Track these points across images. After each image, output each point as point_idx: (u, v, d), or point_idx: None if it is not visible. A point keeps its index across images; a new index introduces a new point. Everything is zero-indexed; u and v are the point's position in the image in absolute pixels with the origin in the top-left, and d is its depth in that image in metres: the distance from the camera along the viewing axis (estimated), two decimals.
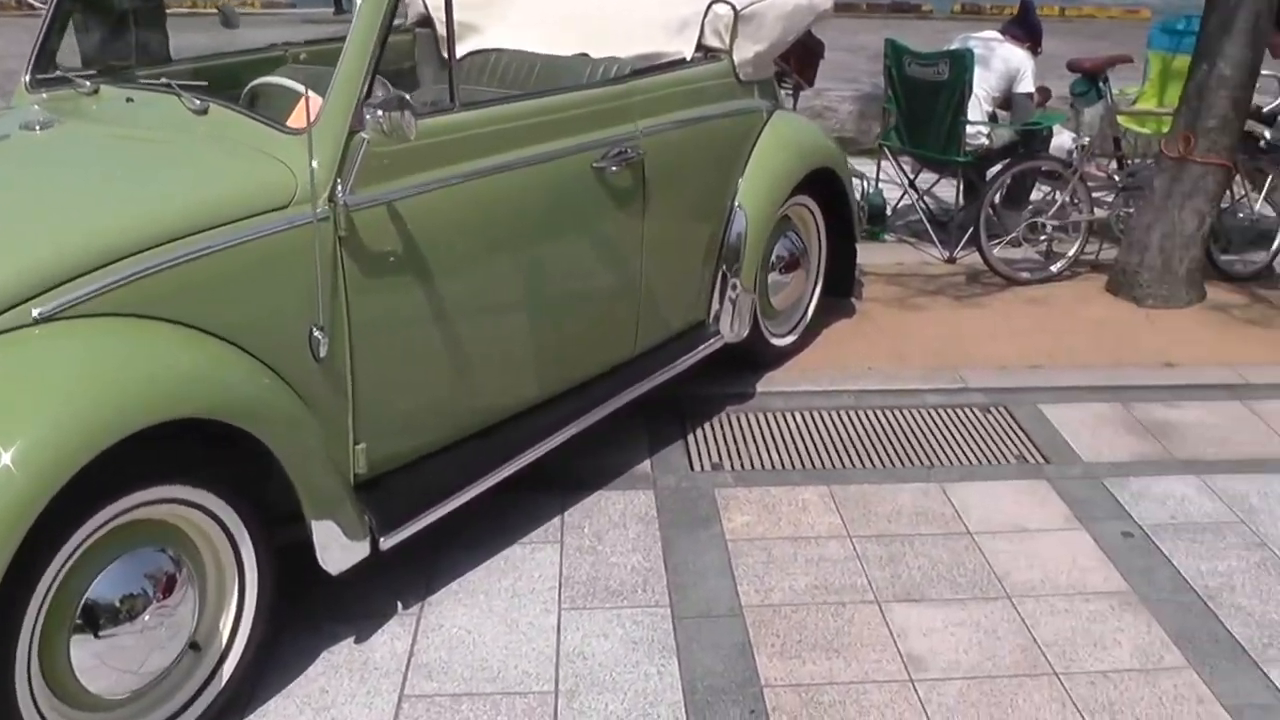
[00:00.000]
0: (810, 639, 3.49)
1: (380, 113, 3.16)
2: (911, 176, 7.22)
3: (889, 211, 7.24)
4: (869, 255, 6.75)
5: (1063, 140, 7.12)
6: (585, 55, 4.68)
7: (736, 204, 4.77)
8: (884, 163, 7.31)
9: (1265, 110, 6.82)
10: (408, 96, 3.20)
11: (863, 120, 9.08)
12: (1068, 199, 6.46)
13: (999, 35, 7.04)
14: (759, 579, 3.77)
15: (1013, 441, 4.69)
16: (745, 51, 4.79)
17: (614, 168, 4.04)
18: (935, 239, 6.90)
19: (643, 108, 4.25)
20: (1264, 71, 6.37)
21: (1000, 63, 6.87)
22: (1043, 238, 6.50)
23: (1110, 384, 5.21)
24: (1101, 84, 6.65)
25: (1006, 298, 6.24)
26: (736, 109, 4.81)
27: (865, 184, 6.74)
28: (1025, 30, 7.04)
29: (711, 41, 4.76)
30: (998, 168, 6.68)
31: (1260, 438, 4.78)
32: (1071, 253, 6.48)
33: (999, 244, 6.45)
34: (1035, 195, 6.80)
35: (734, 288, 4.77)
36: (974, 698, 3.25)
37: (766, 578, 3.78)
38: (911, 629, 3.54)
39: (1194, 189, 5.99)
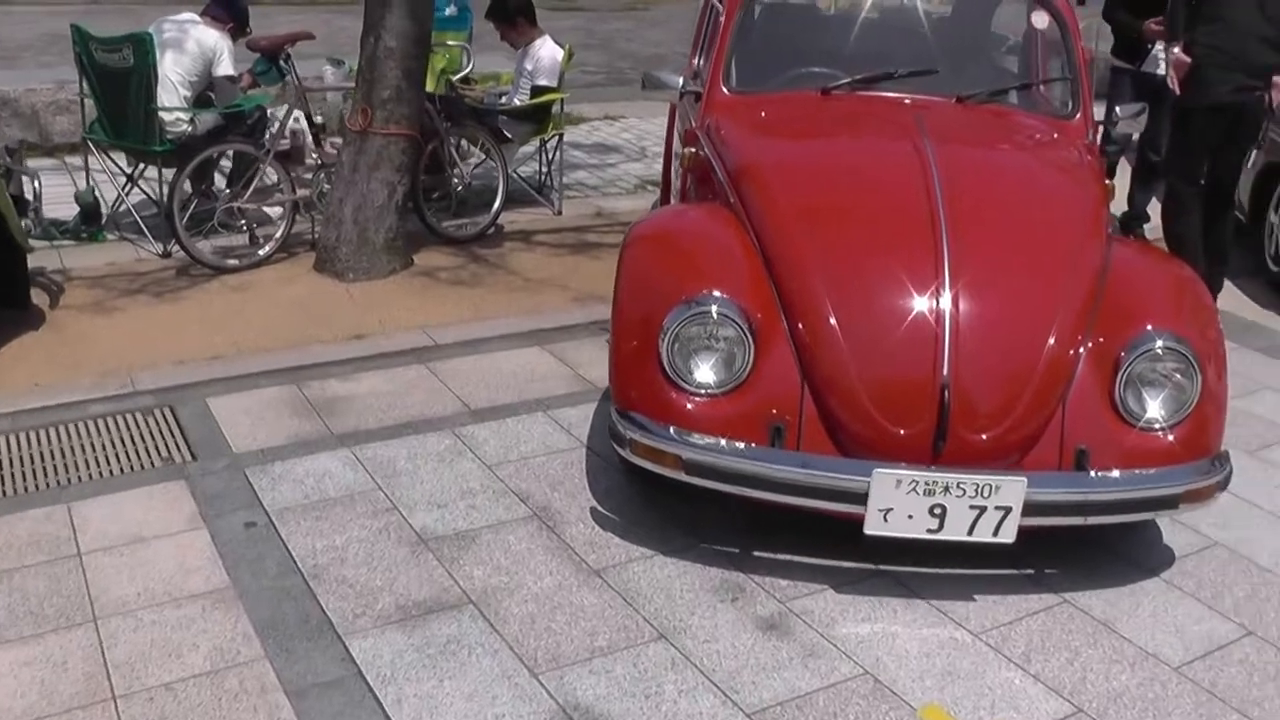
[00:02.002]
0: None
1: None
2: (129, 170, 6.76)
3: (107, 209, 6.73)
4: (81, 258, 6.34)
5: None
6: None
7: None
8: (99, 158, 6.78)
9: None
10: None
11: None
12: (273, 181, 6.27)
13: (196, 17, 6.71)
14: None
15: (166, 443, 4.38)
16: None
17: None
18: (150, 234, 6.49)
19: None
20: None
21: (194, 45, 6.54)
22: (241, 222, 6.27)
23: (291, 365, 5.03)
24: (282, 62, 6.47)
25: (212, 288, 5.95)
26: None
27: (36, 183, 6.22)
28: (226, 11, 6.75)
29: None
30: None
31: (431, 398, 4.77)
32: (279, 234, 6.29)
33: (198, 233, 6.15)
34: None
35: None
36: None
37: None
38: None
39: (378, 160, 5.96)
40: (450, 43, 7.25)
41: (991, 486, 3.37)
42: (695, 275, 3.78)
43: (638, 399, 3.67)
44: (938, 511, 3.39)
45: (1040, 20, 5.12)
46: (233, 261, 6.17)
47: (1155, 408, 3.59)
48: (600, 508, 4.01)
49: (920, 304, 3.55)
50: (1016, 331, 3.60)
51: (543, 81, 7.23)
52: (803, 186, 4.13)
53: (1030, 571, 3.76)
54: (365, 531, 3.82)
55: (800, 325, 3.61)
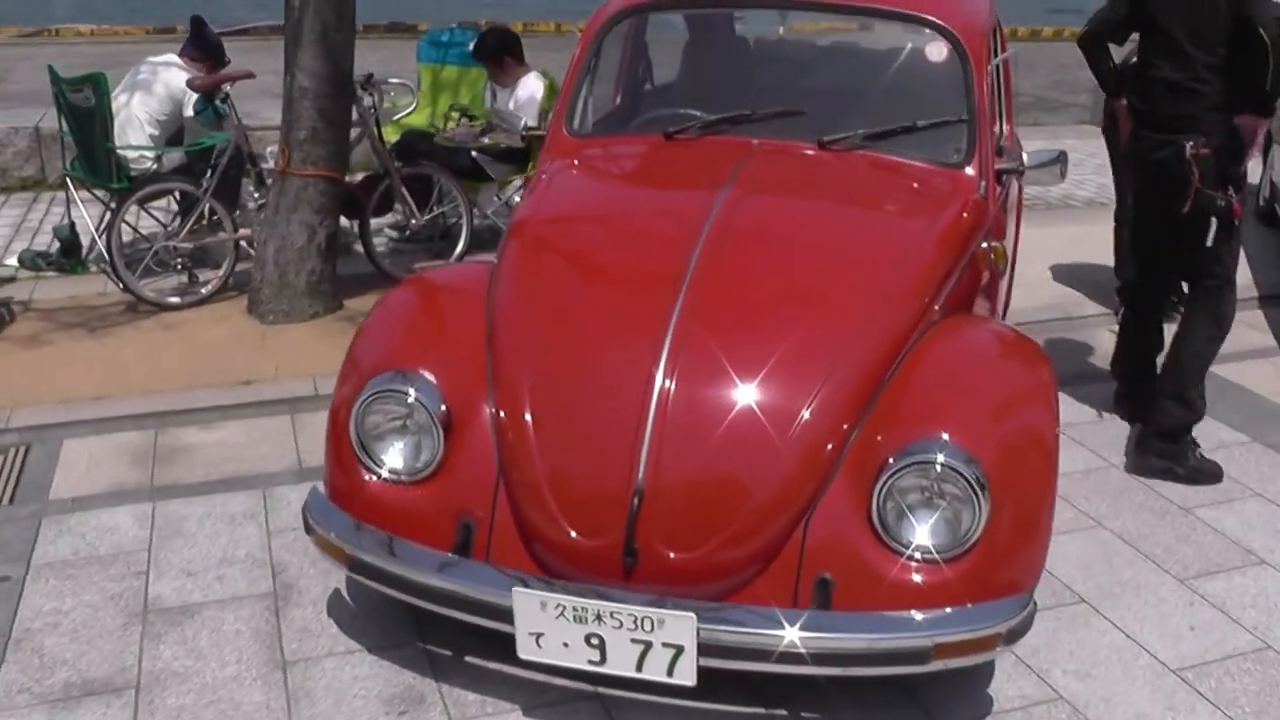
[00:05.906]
0: None
1: None
2: (114, 205, 6.99)
3: (86, 242, 6.98)
4: (52, 290, 6.62)
5: None
6: None
7: None
8: (77, 194, 7.01)
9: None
10: None
11: None
12: (212, 220, 6.42)
13: (174, 57, 6.93)
14: None
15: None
16: None
17: None
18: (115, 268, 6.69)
19: None
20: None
21: (161, 86, 6.76)
22: (177, 261, 6.42)
23: (165, 409, 5.12)
24: (220, 102, 6.60)
25: (146, 325, 6.09)
26: None
27: None
28: (201, 50, 6.95)
29: None
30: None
31: (272, 453, 4.77)
32: (222, 273, 6.40)
33: (137, 269, 6.34)
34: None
35: None
36: None
37: None
38: None
39: (297, 202, 5.99)
40: (393, 80, 7.22)
41: (654, 620, 2.87)
42: (409, 346, 3.47)
43: (334, 480, 3.40)
44: (595, 642, 2.93)
45: (937, 52, 4.45)
46: (174, 299, 6.32)
47: (924, 534, 2.99)
48: (344, 590, 3.82)
49: (627, 391, 3.06)
50: (745, 427, 3.05)
51: (526, 122, 7.15)
52: (549, 251, 3.75)
53: (782, 712, 3.23)
54: (99, 596, 3.81)
55: (500, 412, 3.22)
